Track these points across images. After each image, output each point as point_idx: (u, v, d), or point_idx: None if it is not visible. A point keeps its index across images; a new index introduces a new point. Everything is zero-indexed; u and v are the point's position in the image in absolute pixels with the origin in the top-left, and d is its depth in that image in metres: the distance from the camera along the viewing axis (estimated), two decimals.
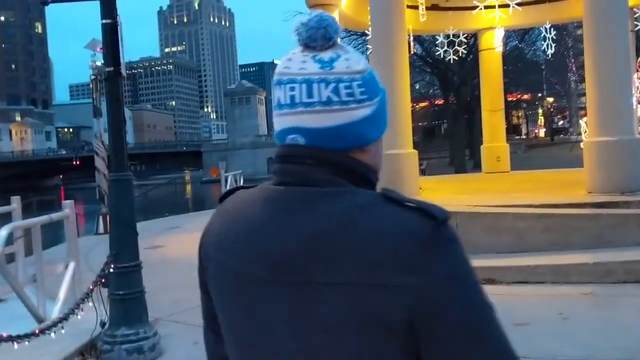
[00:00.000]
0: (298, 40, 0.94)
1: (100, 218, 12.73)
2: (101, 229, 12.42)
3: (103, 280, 4.52)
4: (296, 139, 0.93)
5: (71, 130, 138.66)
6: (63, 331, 4.49)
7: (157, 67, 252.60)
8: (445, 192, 10.22)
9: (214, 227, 1.00)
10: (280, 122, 0.94)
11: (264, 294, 0.89)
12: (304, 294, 0.85)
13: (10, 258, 8.12)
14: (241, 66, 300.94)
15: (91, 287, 4.54)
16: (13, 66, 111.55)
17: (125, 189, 4.68)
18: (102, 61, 4.63)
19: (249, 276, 0.90)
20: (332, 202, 0.87)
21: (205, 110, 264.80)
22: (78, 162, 68.01)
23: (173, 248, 10.32)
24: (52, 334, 4.34)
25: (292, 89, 0.92)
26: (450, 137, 30.60)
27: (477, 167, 19.53)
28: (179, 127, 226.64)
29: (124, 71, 4.65)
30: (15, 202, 7.80)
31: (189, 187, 56.83)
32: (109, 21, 4.59)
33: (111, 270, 4.53)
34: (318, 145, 0.91)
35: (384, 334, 0.82)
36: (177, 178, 77.99)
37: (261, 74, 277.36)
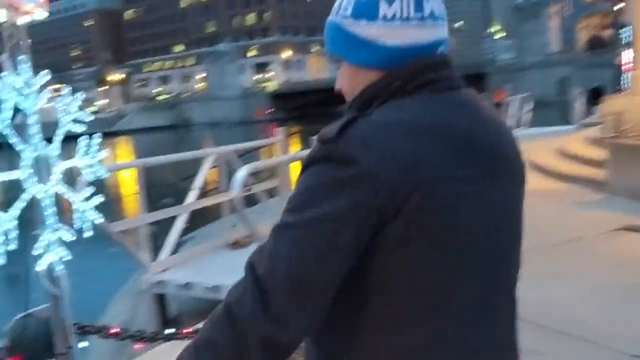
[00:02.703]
0: None
1: None
2: None
3: None
4: (444, 49, 1.03)
5: None
6: None
7: None
8: None
9: (422, 152, 0.91)
10: (435, 32, 1.00)
11: (508, 186, 1.02)
12: (519, 178, 1.07)
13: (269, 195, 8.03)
14: None
15: None
16: None
17: None
18: None
19: (494, 175, 0.98)
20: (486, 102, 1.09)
21: (491, 30, 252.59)
22: None
23: None
24: None
25: (439, 3, 1.02)
26: None
27: None
28: (463, 49, 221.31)
29: None
30: (281, 134, 7.51)
31: None
32: None
33: None
34: None
35: None
36: None
37: None
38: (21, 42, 1.85)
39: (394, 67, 0.99)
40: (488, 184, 0.97)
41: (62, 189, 2.01)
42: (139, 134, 73.39)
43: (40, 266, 1.97)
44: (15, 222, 1.83)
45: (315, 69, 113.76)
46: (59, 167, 1.98)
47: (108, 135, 72.51)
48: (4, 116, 1.77)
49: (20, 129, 1.84)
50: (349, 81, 1.06)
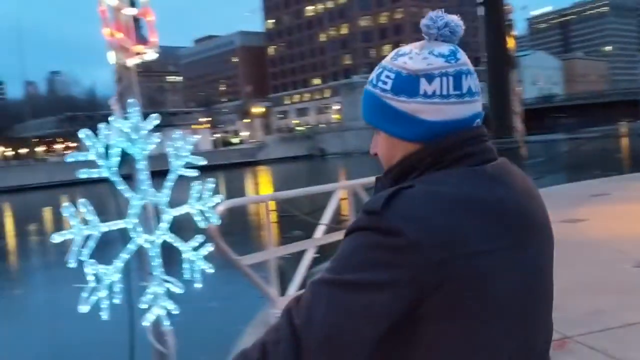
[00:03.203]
0: (446, 35, 1.07)
1: None
2: None
3: None
4: (479, 122, 1.08)
5: None
6: None
7: (590, 11, 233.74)
8: None
9: (461, 227, 0.96)
10: (472, 107, 1.06)
11: (538, 252, 1.06)
12: (549, 243, 1.11)
13: None
14: None
15: None
16: None
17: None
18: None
19: (526, 244, 1.02)
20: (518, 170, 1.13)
21: None
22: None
23: (598, 224, 8.24)
24: None
25: (475, 79, 1.07)
26: None
27: None
28: (614, 74, 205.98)
29: None
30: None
31: (624, 142, 50.31)
32: None
33: None
34: None
35: None
36: (610, 130, 70.80)
37: None
38: (131, 85, 1.78)
39: (433, 141, 1.03)
40: (521, 252, 1.01)
41: (170, 238, 1.90)
42: (277, 164, 76.33)
43: (147, 321, 1.85)
44: (120, 275, 1.74)
45: None
46: (168, 216, 1.87)
47: (250, 165, 76.55)
48: (111, 162, 1.69)
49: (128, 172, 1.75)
50: (387, 151, 1.10)
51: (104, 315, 1.73)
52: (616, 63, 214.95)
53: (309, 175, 53.20)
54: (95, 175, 1.68)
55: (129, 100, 1.78)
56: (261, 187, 46.23)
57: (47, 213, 34.99)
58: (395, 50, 1.09)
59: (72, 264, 1.66)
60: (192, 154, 1.91)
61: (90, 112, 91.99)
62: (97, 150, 1.68)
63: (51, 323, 10.52)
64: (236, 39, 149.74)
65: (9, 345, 9.94)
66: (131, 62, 1.83)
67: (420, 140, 1.04)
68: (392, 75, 1.04)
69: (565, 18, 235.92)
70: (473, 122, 1.06)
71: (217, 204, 1.99)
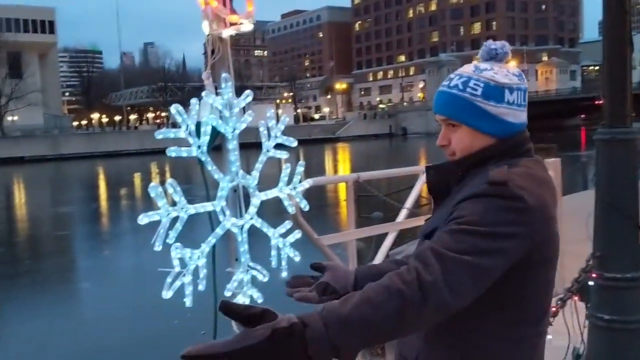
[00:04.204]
0: (500, 55, 1.40)
1: None
2: None
3: (575, 295, 2.94)
4: None
5: (596, 68, 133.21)
6: None
7: None
8: None
9: (547, 198, 1.30)
10: (525, 115, 1.41)
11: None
12: None
13: None
14: None
15: (561, 299, 3.03)
16: (543, 7, 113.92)
17: (624, 155, 2.90)
18: None
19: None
20: None
21: None
22: (601, 102, 64.56)
23: None
24: None
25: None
26: None
27: None
28: None
29: None
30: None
31: None
32: None
33: (590, 280, 2.90)
34: None
35: None
36: None
37: None
38: (224, 58, 1.67)
39: (506, 137, 1.37)
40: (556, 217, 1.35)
41: (258, 223, 1.79)
42: (357, 141, 76.04)
43: None
44: (204, 260, 1.65)
45: (544, 78, 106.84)
46: (257, 200, 1.77)
47: (330, 141, 76.64)
48: (202, 141, 1.60)
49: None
50: (469, 142, 1.38)
51: (188, 302, 1.66)
52: None
53: (389, 155, 52.61)
54: (184, 154, 1.60)
55: (223, 75, 1.67)
56: (340, 164, 46.20)
57: (137, 179, 36.63)
58: (474, 65, 1.39)
59: (158, 247, 1.59)
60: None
61: (180, 84, 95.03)
62: (188, 127, 1.59)
63: (136, 284, 10.97)
64: (323, 14, 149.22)
65: (95, 303, 10.48)
66: (227, 33, 1.71)
67: (498, 135, 1.36)
68: (482, 85, 1.35)
69: None
70: (526, 125, 1.41)
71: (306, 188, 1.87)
